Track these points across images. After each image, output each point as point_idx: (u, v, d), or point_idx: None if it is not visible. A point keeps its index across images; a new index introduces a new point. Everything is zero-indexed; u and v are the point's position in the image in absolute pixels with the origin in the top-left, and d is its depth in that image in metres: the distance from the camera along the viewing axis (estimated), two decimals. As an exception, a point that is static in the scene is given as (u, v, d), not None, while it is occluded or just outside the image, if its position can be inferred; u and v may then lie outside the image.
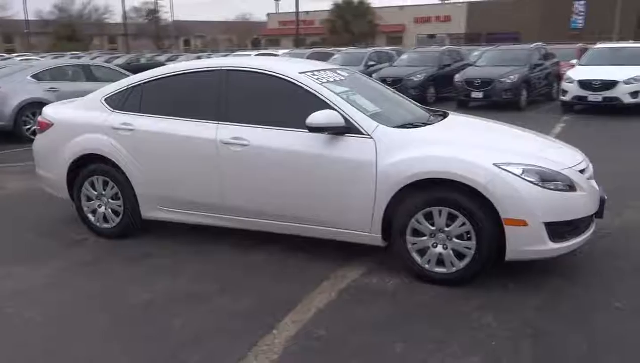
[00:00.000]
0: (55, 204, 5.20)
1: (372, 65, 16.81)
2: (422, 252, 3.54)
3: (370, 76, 15.54)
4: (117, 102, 4.41)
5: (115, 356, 2.83)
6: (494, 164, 3.32)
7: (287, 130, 3.81)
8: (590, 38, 28.84)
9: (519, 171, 3.31)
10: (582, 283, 3.56)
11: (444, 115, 4.33)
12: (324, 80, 4.00)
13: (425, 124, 3.94)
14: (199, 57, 24.68)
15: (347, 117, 3.64)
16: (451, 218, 3.41)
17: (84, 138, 4.42)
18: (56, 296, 3.52)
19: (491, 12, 43.77)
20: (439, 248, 3.48)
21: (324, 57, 17.22)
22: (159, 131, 4.16)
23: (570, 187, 3.38)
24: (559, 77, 14.49)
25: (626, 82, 12.08)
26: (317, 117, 3.57)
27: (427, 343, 2.86)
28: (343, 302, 3.37)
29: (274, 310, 3.23)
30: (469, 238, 3.38)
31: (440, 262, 3.50)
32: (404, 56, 17.00)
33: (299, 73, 3.94)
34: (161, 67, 4.49)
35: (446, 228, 3.43)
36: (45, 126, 4.68)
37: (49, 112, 4.79)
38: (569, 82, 12.57)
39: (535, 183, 3.29)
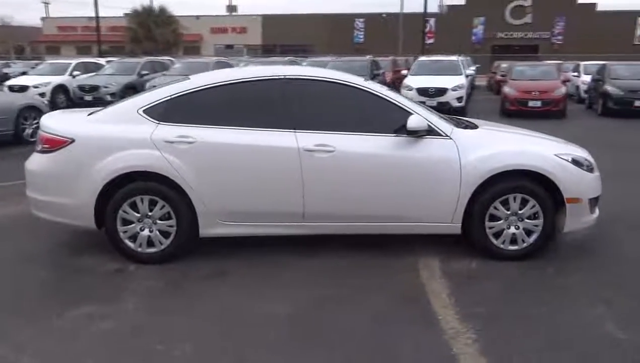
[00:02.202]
0: (43, 232, 4.52)
1: (145, 75, 16.93)
2: (497, 234, 4.13)
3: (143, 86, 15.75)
4: (162, 113, 4.04)
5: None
6: (555, 155, 4.10)
7: (369, 135, 4.04)
8: (371, 51, 32.85)
9: (570, 159, 4.13)
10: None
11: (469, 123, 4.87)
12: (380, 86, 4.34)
13: (474, 126, 4.53)
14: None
15: (428, 120, 4.04)
16: (523, 202, 4.07)
17: (126, 154, 3.93)
18: (184, 327, 3.19)
19: (284, 25, 46.31)
20: (512, 229, 4.12)
21: (95, 68, 18.09)
22: (226, 142, 3.97)
23: (593, 170, 4.32)
24: (386, 85, 16.52)
25: (453, 89, 14.47)
26: (415, 122, 3.92)
27: (564, 307, 3.47)
28: (459, 285, 3.76)
29: (415, 304, 3.48)
30: (537, 218, 4.08)
31: (513, 241, 4.14)
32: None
33: (364, 81, 4.20)
34: (207, 76, 4.25)
35: (519, 211, 4.08)
36: (58, 144, 4.00)
37: (61, 126, 4.10)
38: (409, 90, 14.46)
39: (581, 168, 4.14)
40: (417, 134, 3.97)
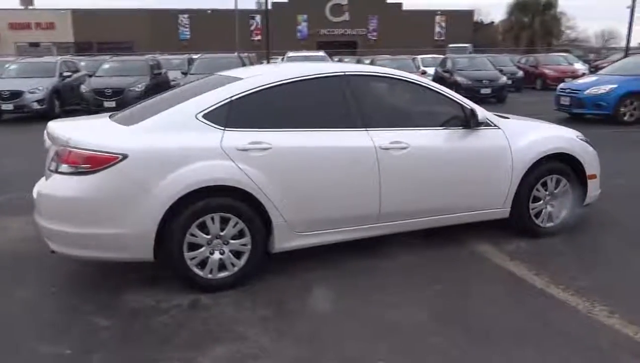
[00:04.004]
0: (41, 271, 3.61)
1: (68, 77, 14.83)
2: (538, 214, 4.47)
3: (79, 88, 14.01)
4: (226, 118, 3.53)
5: None
6: (577, 137, 4.57)
7: (435, 129, 4.07)
8: (198, 48, 32.14)
9: (586, 140, 4.65)
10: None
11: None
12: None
13: (506, 117, 4.75)
14: None
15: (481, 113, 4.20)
16: (557, 182, 4.47)
17: (194, 168, 3.36)
18: (346, 345, 2.89)
19: (100, 21, 42.57)
20: (549, 208, 4.50)
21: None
22: (303, 145, 3.64)
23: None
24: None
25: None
26: (482, 114, 4.05)
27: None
28: (536, 264, 3.96)
29: (522, 287, 3.65)
30: (567, 195, 4.52)
31: (550, 218, 4.52)
32: (105, 65, 15.67)
33: (418, 77, 4.20)
34: (265, 76, 3.80)
35: (555, 191, 4.48)
36: (105, 162, 3.25)
37: (104, 140, 3.33)
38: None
39: (593, 149, 4.69)
40: (482, 125, 4.10)
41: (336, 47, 41.56)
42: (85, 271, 3.93)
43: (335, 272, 3.87)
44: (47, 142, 3.74)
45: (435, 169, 4.02)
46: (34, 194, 3.62)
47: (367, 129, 3.83)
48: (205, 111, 3.52)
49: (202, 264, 3.51)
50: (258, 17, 45.70)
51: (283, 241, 3.69)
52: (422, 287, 3.66)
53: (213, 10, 45.00)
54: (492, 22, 54.90)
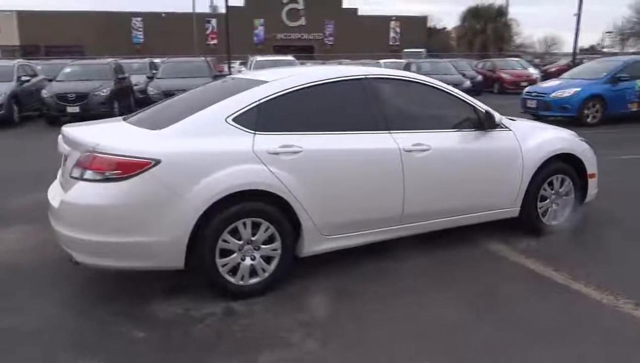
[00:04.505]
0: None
1: (26, 81, 14.18)
2: (544, 213, 4.62)
3: (39, 92, 13.44)
4: (255, 121, 3.48)
5: None
6: (577, 138, 4.76)
7: (453, 131, 4.15)
8: (153, 52, 31.59)
9: (585, 141, 4.85)
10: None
11: None
12: None
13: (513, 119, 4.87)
14: None
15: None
16: (561, 182, 4.64)
17: (228, 173, 3.28)
18: (399, 344, 2.89)
19: (48, 24, 40.97)
20: (554, 206, 4.66)
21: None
22: (332, 148, 3.63)
23: (590, 149, 5.12)
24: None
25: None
26: (498, 116, 4.15)
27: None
28: (552, 261, 4.08)
29: (547, 283, 3.76)
30: (569, 194, 4.70)
31: (554, 217, 4.67)
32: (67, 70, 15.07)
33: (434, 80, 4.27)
34: (290, 78, 3.76)
35: (559, 190, 4.64)
36: (137, 167, 3.13)
37: (135, 145, 3.21)
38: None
39: (591, 148, 4.89)
40: (497, 127, 4.21)
41: (293, 52, 41.62)
42: (100, 280, 3.78)
43: (354, 275, 3.86)
44: (64, 148, 3.58)
45: (455, 170, 4.09)
46: (52, 202, 3.46)
47: (390, 131, 3.86)
48: (235, 114, 3.45)
49: (234, 271, 3.44)
50: (214, 21, 45.20)
51: (312, 245, 3.66)
52: (445, 287, 3.70)
53: (167, 14, 44.18)
54: (444, 28, 56.43)
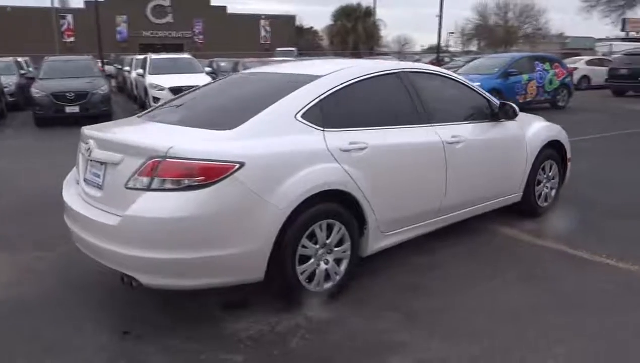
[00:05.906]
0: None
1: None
2: (539, 196, 4.98)
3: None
4: (321, 117, 3.28)
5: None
6: (560, 127, 5.21)
7: (478, 122, 4.33)
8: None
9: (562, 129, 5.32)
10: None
11: None
12: None
13: None
14: None
15: (506, 107, 4.56)
16: (550, 166, 5.04)
17: (308, 173, 3.06)
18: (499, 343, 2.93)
19: None
20: (546, 189, 5.04)
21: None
22: (391, 143, 3.56)
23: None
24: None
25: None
26: (517, 108, 4.38)
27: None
28: (567, 241, 4.38)
29: (573, 262, 4.03)
30: (555, 177, 5.13)
31: (545, 199, 5.06)
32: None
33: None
34: (341, 73, 3.58)
35: (549, 173, 5.03)
36: (222, 172, 2.78)
37: (213, 147, 2.84)
38: (160, 90, 13.62)
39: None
40: (513, 118, 4.45)
41: (160, 50, 39.75)
42: (138, 303, 3.32)
43: (407, 270, 3.82)
44: (102, 154, 3.07)
45: (483, 160, 4.25)
46: (98, 219, 2.95)
47: (432, 124, 3.89)
48: (303, 111, 3.23)
49: (310, 277, 3.22)
50: (70, 17, 41.56)
51: (374, 243, 3.57)
52: (495, 272, 3.82)
53: (13, 8, 39.66)
54: (312, 27, 57.71)
